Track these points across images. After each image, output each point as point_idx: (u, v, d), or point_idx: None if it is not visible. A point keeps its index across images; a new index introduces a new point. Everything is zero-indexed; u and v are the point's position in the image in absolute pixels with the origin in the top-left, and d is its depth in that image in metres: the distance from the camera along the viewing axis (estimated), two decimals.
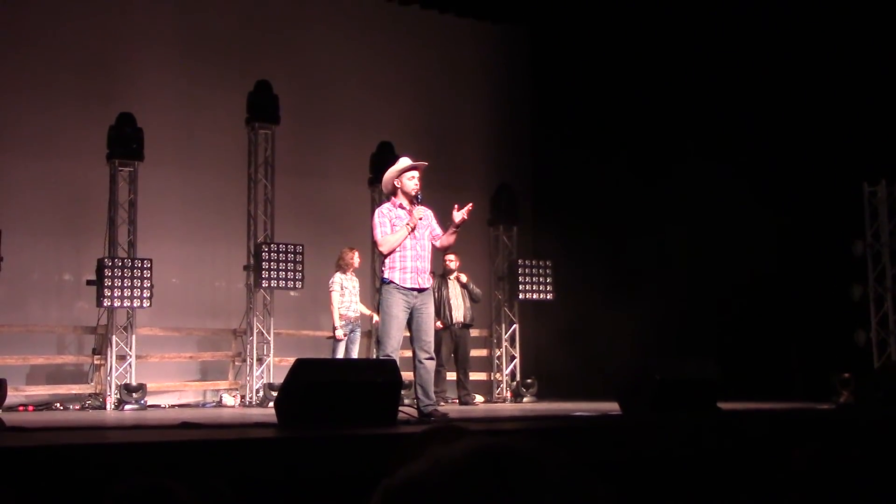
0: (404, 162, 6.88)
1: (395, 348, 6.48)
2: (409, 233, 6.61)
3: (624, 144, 12.53)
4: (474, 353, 12.08)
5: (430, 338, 6.66)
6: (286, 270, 11.24)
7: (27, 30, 11.44)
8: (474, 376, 12.13)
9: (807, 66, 10.55)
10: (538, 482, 0.99)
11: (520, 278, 12.71)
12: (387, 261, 6.66)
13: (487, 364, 13.20)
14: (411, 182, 6.73)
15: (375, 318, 9.97)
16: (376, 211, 6.91)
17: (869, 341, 9.98)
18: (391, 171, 6.86)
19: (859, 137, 10.01)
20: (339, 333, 10.20)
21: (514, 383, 12.78)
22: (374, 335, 10.81)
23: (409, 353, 6.79)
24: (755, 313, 10.94)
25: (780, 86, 10.83)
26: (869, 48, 10.03)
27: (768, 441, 4.76)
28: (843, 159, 10.13)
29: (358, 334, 10.43)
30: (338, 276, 10.39)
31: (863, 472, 2.00)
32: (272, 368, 11.39)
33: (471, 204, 6.70)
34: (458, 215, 6.58)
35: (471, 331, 11.62)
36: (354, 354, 10.35)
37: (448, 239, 6.80)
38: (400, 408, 5.94)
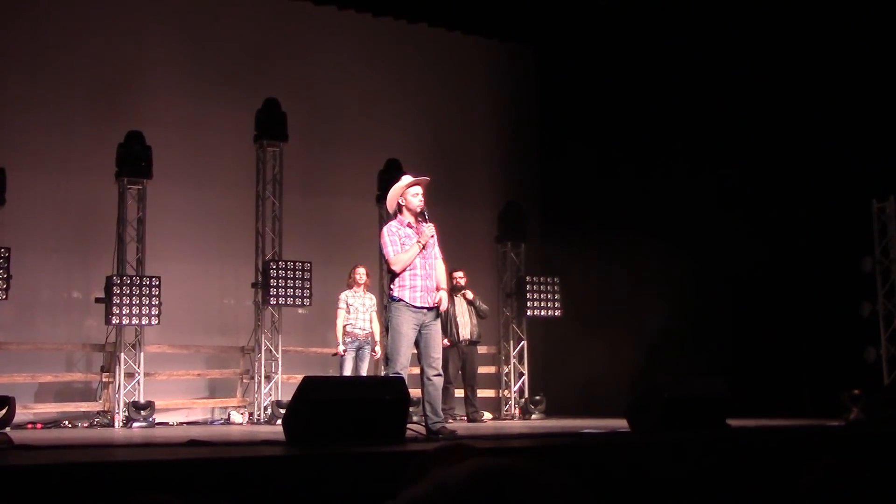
0: (406, 179, 6.88)
1: (404, 365, 6.47)
2: (420, 250, 6.61)
3: (631, 160, 12.54)
4: (482, 370, 12.06)
5: (438, 354, 6.66)
6: (294, 288, 11.24)
7: (38, 50, 11.51)
8: (482, 393, 12.10)
9: (815, 84, 10.55)
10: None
11: (528, 295, 12.70)
12: (396, 279, 6.65)
13: (495, 381, 13.17)
14: (415, 199, 6.73)
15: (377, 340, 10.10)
16: (384, 229, 6.88)
17: (879, 358, 9.93)
18: (394, 190, 6.86)
19: (867, 154, 9.99)
20: (340, 349, 10.21)
21: (523, 400, 12.75)
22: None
23: (417, 371, 6.79)
24: (764, 330, 10.90)
25: (789, 103, 10.83)
26: (877, 65, 10.03)
27: (778, 458, 4.74)
28: (852, 176, 10.11)
29: (367, 351, 10.40)
30: (343, 294, 10.41)
31: (872, 488, 1.99)
32: (280, 386, 11.38)
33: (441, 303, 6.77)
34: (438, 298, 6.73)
35: (478, 347, 11.61)
36: (364, 372, 10.33)
37: (440, 275, 6.85)
38: (408, 425, 5.93)
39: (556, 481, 1.02)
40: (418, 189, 6.75)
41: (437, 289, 6.75)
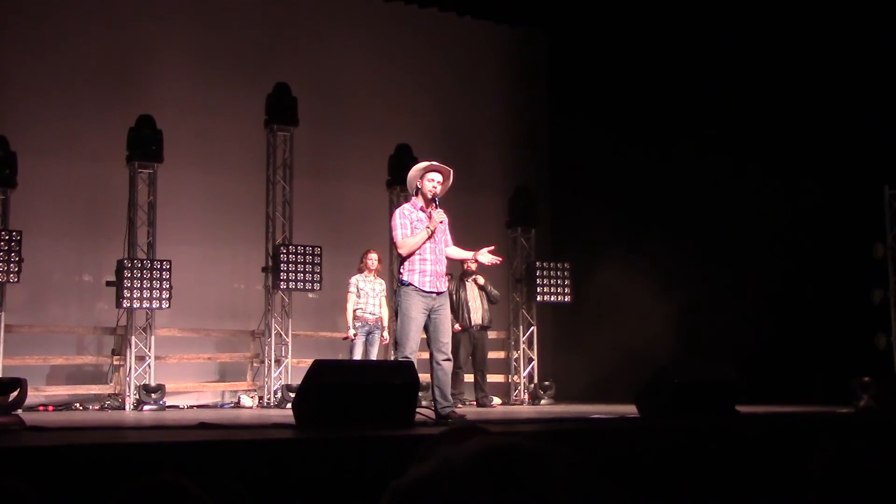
0: (426, 163, 6.91)
1: (413, 350, 6.48)
2: (428, 236, 6.61)
3: (643, 146, 12.49)
4: (492, 355, 12.07)
5: (447, 339, 6.66)
6: (304, 272, 11.27)
7: (49, 34, 11.52)
8: (492, 378, 12.11)
9: (828, 70, 10.49)
10: (545, 481, 0.99)
11: (538, 280, 12.69)
12: (406, 263, 6.66)
13: (505, 366, 13.19)
14: (430, 184, 6.73)
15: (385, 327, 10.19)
16: (396, 211, 6.90)
17: (889, 345, 9.90)
18: (413, 170, 6.89)
19: (880, 140, 9.94)
20: (351, 333, 10.23)
21: (532, 385, 12.76)
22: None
23: (426, 355, 6.79)
24: (775, 316, 10.87)
25: (802, 89, 10.77)
26: (891, 51, 9.96)
27: (787, 445, 4.73)
28: (864, 162, 10.06)
29: (377, 336, 10.41)
30: (354, 278, 10.42)
31: (881, 475, 1.99)
32: (290, 370, 11.41)
33: (499, 259, 6.99)
34: (486, 258, 6.80)
35: (488, 333, 11.61)
36: (374, 356, 10.35)
37: (455, 255, 6.89)
38: (417, 409, 5.94)
39: (562, 458, 1.02)
40: (435, 176, 6.75)
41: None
